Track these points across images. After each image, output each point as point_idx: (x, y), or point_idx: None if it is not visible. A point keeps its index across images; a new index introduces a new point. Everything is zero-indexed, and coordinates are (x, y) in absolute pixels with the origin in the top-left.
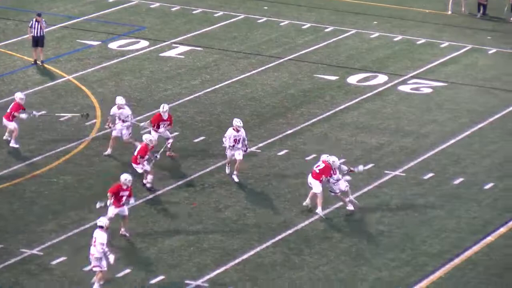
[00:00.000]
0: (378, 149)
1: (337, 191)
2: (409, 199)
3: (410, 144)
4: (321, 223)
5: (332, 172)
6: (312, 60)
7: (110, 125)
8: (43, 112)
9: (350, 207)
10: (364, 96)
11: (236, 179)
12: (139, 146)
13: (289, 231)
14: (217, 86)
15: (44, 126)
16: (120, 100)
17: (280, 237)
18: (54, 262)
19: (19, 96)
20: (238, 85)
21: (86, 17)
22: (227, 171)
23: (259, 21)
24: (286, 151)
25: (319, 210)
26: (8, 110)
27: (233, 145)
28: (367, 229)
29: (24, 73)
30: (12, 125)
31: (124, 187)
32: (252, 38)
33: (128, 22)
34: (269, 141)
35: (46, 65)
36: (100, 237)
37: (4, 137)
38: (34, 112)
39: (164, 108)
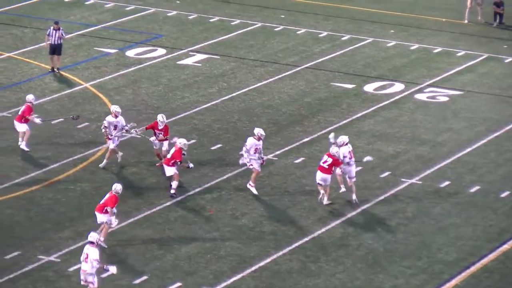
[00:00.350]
0: (395, 157)
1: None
2: (425, 207)
3: (426, 153)
4: (337, 230)
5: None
6: (329, 69)
7: (108, 136)
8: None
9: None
10: (381, 104)
11: (255, 192)
12: (173, 149)
13: (306, 239)
14: (234, 94)
15: (61, 133)
16: (116, 108)
17: (296, 244)
18: (71, 269)
19: (30, 98)
20: (255, 93)
21: (104, 25)
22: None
23: (276, 29)
24: (302, 158)
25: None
26: (20, 113)
27: (254, 154)
28: (383, 237)
29: (41, 80)
30: (23, 128)
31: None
32: (269, 46)
33: (146, 30)
34: (286, 148)
35: (63, 73)
36: (92, 253)
37: (19, 143)
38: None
39: (162, 118)
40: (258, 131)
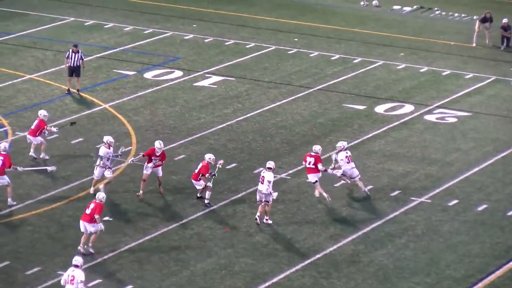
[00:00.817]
0: (405, 176)
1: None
2: (434, 224)
3: (435, 172)
4: (349, 247)
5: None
6: (341, 90)
7: (106, 167)
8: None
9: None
10: (391, 125)
11: (270, 222)
12: (200, 164)
13: (318, 255)
14: (248, 115)
15: (81, 152)
16: (110, 138)
17: (309, 261)
18: (90, 284)
19: (43, 113)
20: (269, 113)
21: (122, 47)
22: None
23: (289, 52)
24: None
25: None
26: (33, 127)
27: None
28: (393, 254)
29: (62, 101)
30: (38, 140)
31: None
32: (283, 68)
33: (163, 52)
34: (299, 168)
35: (83, 94)
36: (78, 275)
37: (30, 153)
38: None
39: (160, 145)
40: (269, 165)
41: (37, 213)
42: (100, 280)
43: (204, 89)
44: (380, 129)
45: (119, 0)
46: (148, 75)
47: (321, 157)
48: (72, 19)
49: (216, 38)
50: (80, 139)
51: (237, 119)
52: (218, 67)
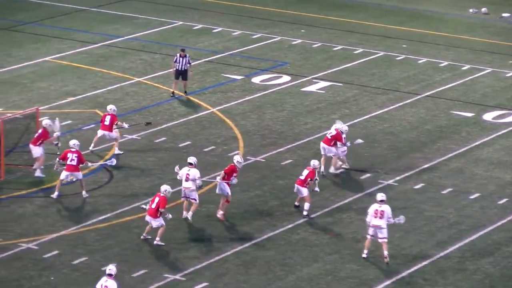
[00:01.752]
0: None
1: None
2: None
3: None
4: (455, 255)
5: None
6: (449, 97)
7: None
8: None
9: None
10: (499, 133)
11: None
12: (306, 171)
13: (424, 262)
14: (356, 121)
15: (188, 155)
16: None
17: (415, 268)
18: (196, 287)
19: (112, 108)
20: (376, 119)
21: (231, 52)
22: None
23: (397, 58)
24: (422, 184)
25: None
26: (107, 123)
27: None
28: (500, 262)
29: (170, 105)
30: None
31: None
32: (391, 74)
33: (271, 57)
34: (406, 174)
35: (191, 98)
36: (111, 285)
37: (91, 148)
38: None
39: (240, 160)
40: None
41: (143, 216)
42: (206, 284)
43: (312, 94)
44: (488, 137)
45: (228, 5)
46: (256, 79)
47: None
48: (181, 23)
49: (324, 43)
50: (188, 143)
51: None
52: (325, 72)
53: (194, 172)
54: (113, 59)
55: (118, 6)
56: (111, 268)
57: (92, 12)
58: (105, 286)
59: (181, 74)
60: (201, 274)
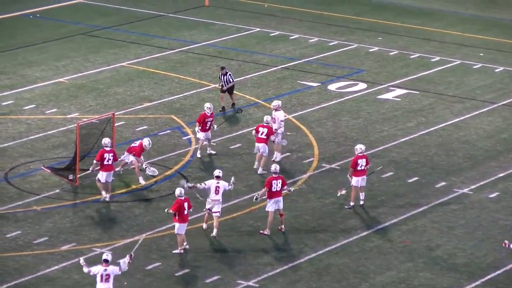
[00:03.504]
0: None
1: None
2: None
3: None
4: None
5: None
6: None
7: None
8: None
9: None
10: None
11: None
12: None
13: (498, 271)
14: (432, 129)
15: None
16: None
17: (489, 277)
18: None
19: (207, 105)
20: (452, 128)
21: (307, 59)
22: None
23: (474, 67)
24: (497, 193)
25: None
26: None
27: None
28: None
29: (245, 111)
30: (208, 135)
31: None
32: (467, 83)
33: (348, 65)
34: (481, 183)
35: (266, 104)
36: (112, 269)
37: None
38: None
39: (277, 169)
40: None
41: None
42: None
43: (388, 102)
44: None
45: (305, 12)
46: (332, 86)
47: None
48: (258, 29)
49: (401, 51)
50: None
51: (420, 133)
52: (402, 80)
53: (223, 184)
54: (189, 65)
55: (196, 12)
56: (108, 254)
57: (169, 18)
58: (107, 274)
59: (227, 90)
60: (274, 281)
